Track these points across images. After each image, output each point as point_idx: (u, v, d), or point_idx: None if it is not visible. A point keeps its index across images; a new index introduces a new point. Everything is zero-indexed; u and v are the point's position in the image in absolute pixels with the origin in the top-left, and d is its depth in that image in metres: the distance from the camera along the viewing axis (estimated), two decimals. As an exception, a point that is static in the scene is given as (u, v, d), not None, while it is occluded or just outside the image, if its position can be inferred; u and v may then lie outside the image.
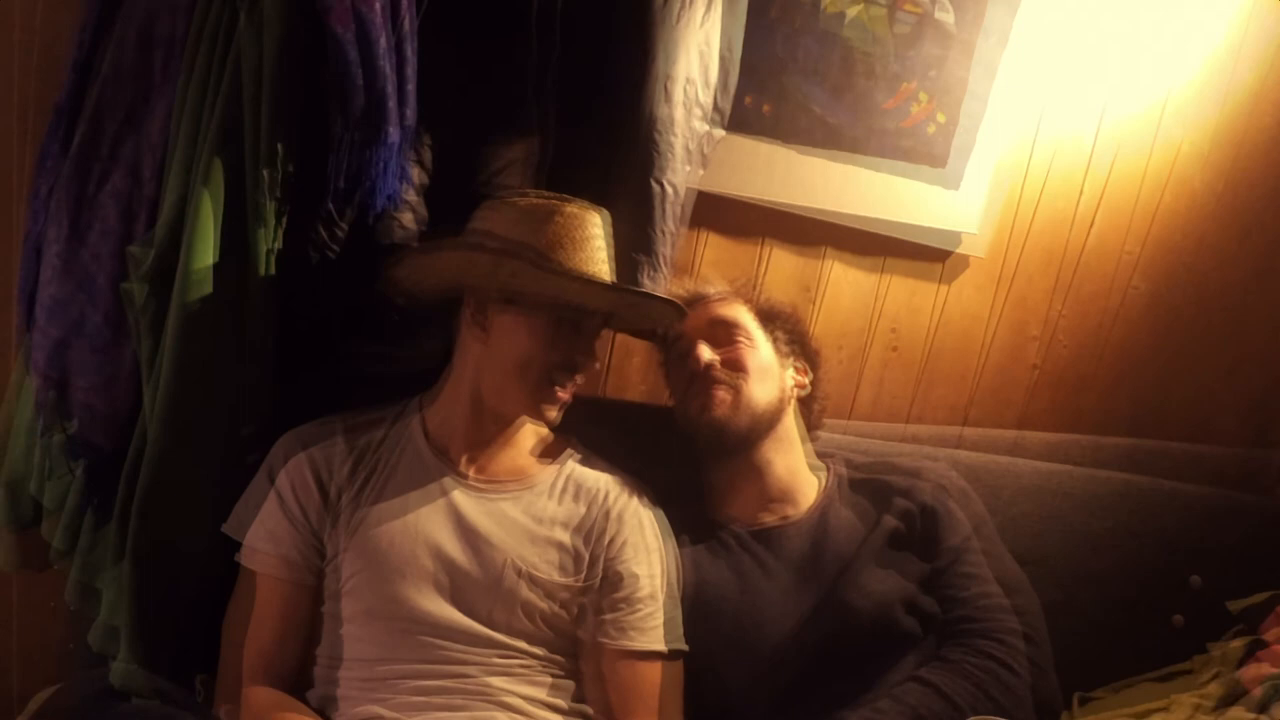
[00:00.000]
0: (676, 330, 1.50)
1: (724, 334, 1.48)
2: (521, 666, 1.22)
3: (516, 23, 1.34)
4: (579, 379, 1.30)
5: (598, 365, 1.33)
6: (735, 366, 1.44)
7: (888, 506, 1.42)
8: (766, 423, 1.44)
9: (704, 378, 1.43)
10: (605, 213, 1.30)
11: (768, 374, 1.46)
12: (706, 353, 1.44)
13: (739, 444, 1.43)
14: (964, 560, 1.37)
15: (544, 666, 1.24)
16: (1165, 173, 1.92)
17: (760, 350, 1.47)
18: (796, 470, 1.48)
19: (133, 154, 1.26)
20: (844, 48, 1.70)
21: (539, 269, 1.19)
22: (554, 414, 1.29)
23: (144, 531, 1.23)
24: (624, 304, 1.31)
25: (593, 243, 1.26)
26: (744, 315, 1.51)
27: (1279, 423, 2.12)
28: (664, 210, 1.49)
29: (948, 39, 1.73)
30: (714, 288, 1.57)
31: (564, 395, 1.28)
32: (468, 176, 1.38)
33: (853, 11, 1.69)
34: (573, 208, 1.26)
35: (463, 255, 1.22)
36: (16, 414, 1.37)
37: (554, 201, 1.26)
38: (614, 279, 1.30)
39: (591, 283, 1.23)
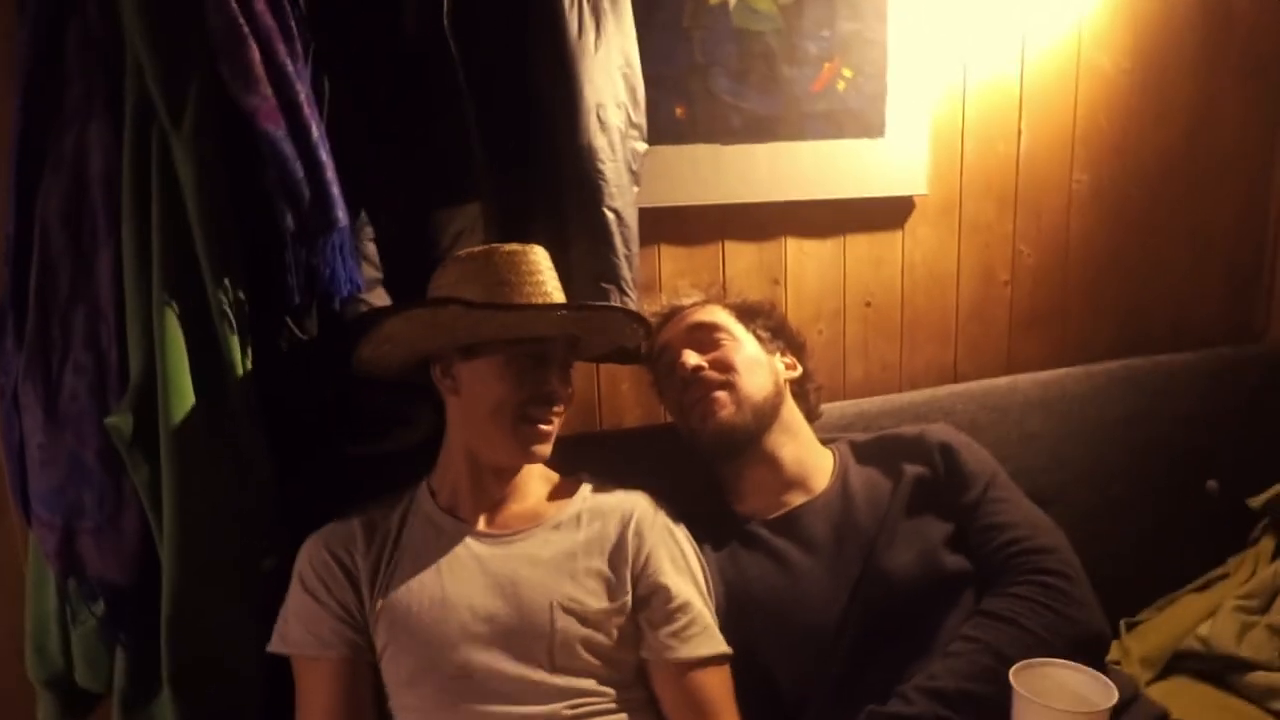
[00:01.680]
0: (659, 344, 1.51)
1: (706, 338, 1.48)
2: (593, 713, 1.20)
3: (446, 91, 1.35)
4: (558, 409, 1.29)
5: (572, 392, 1.32)
6: (723, 367, 1.44)
7: (906, 457, 1.43)
8: (770, 414, 1.45)
9: (696, 383, 1.43)
10: (542, 249, 1.31)
11: (758, 366, 1.46)
12: (692, 358, 1.44)
13: (748, 440, 1.43)
14: (995, 490, 1.38)
15: (617, 705, 1.22)
16: (1074, 61, 1.94)
17: (745, 346, 1.48)
18: (807, 453, 1.49)
19: (86, 326, 1.25)
20: (740, 35, 1.72)
21: (472, 308, 1.19)
22: (541, 449, 1.28)
23: (177, 660, 1.21)
24: (578, 324, 1.30)
25: (534, 277, 1.26)
26: (721, 315, 1.52)
27: (1258, 311, 2.16)
28: (620, 235, 1.49)
29: None
30: (688, 298, 1.58)
31: (546, 429, 1.27)
32: (428, 249, 1.38)
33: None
34: (508, 248, 1.27)
35: (401, 318, 1.22)
36: (42, 608, 1.36)
37: (489, 248, 1.27)
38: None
39: (530, 309, 1.23)
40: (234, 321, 1.20)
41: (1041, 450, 1.77)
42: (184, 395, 1.19)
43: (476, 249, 1.29)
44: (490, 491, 1.31)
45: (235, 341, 1.21)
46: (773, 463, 1.46)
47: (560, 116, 1.43)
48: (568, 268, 1.42)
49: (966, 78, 1.88)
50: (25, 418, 1.27)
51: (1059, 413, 1.81)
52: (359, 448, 1.36)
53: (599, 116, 1.45)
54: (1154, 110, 2.02)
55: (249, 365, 1.24)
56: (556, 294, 1.29)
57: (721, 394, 1.42)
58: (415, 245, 1.37)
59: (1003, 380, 1.85)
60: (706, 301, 1.56)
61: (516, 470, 1.32)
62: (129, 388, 1.22)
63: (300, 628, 1.22)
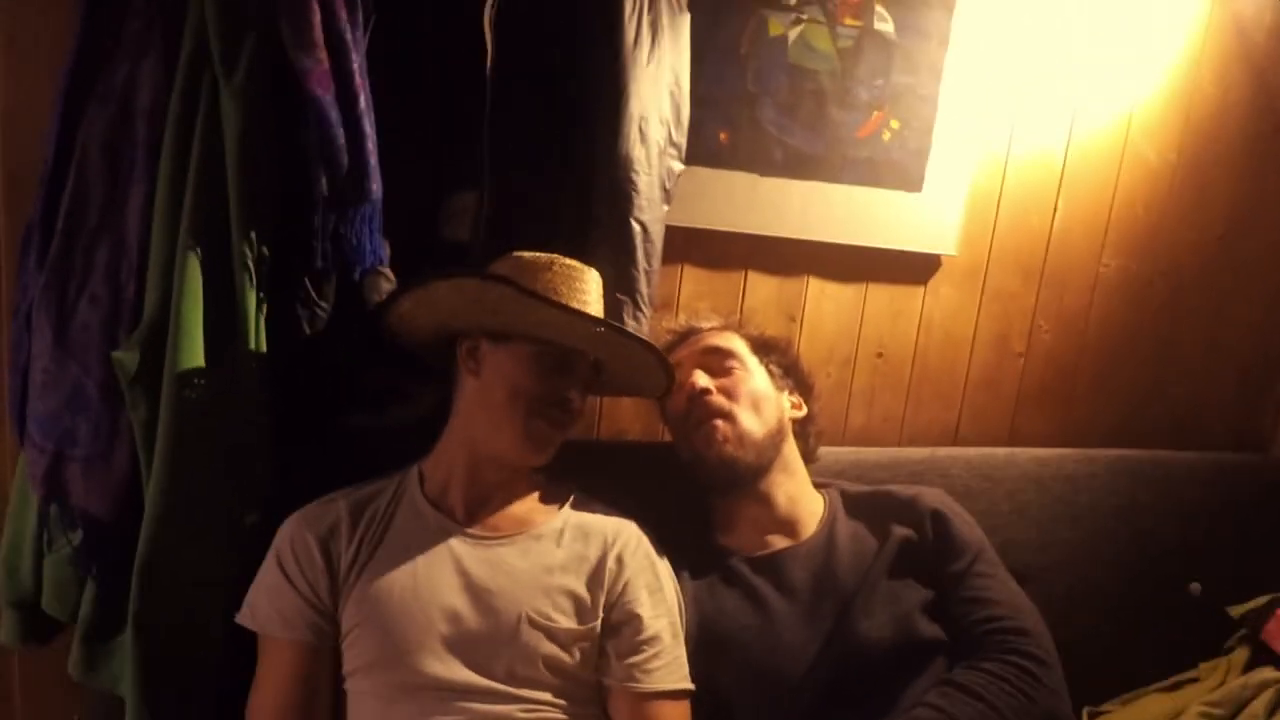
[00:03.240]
0: (672, 361, 1.50)
1: (718, 363, 1.48)
2: (548, 718, 1.20)
3: (467, 73, 1.35)
4: (569, 420, 1.30)
5: (584, 411, 1.33)
6: (730, 394, 1.44)
7: (896, 517, 1.43)
8: (772, 451, 1.44)
9: (701, 405, 1.43)
10: (596, 274, 1.32)
11: (764, 402, 1.46)
12: (702, 378, 1.44)
13: (750, 476, 1.43)
14: (980, 564, 1.38)
15: (569, 718, 1.22)
16: (1120, 147, 1.95)
17: (755, 378, 1.48)
18: (800, 497, 1.48)
19: (108, 259, 1.25)
20: (794, 71, 1.73)
21: (524, 294, 1.20)
22: (545, 451, 1.29)
23: (144, 600, 1.22)
24: (610, 347, 1.31)
25: (583, 295, 1.29)
26: (737, 344, 1.51)
27: (1267, 420, 2.16)
28: (644, 249, 1.50)
29: (890, 47, 1.76)
30: (707, 321, 1.58)
31: (554, 434, 1.28)
32: (421, 231, 1.40)
33: (793, 33, 1.71)
34: (568, 262, 1.29)
35: (453, 283, 1.23)
36: (21, 529, 1.36)
37: (551, 256, 1.29)
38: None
39: (577, 315, 1.24)
40: (254, 276, 1.21)
41: (1029, 526, 1.76)
42: (194, 340, 1.19)
43: (540, 254, 1.29)
44: (482, 483, 1.30)
45: (252, 296, 1.22)
46: (767, 501, 1.45)
47: (601, 122, 1.44)
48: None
49: (1011, 146, 1.89)
50: (35, 339, 1.28)
51: (1053, 492, 1.80)
52: (356, 419, 1.36)
53: (640, 129, 1.46)
54: (1193, 207, 2.02)
55: (262, 321, 1.24)
56: (601, 316, 1.31)
57: (722, 424, 1.41)
58: (408, 227, 1.38)
59: (1001, 450, 1.85)
60: (725, 327, 1.56)
61: (511, 468, 1.32)
62: (140, 325, 1.22)
63: (267, 604, 1.23)
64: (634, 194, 1.47)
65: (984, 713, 1.20)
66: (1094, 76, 1.89)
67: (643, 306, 1.51)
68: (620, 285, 1.48)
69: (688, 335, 1.55)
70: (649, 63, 1.46)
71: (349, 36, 1.20)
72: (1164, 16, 1.91)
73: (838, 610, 1.33)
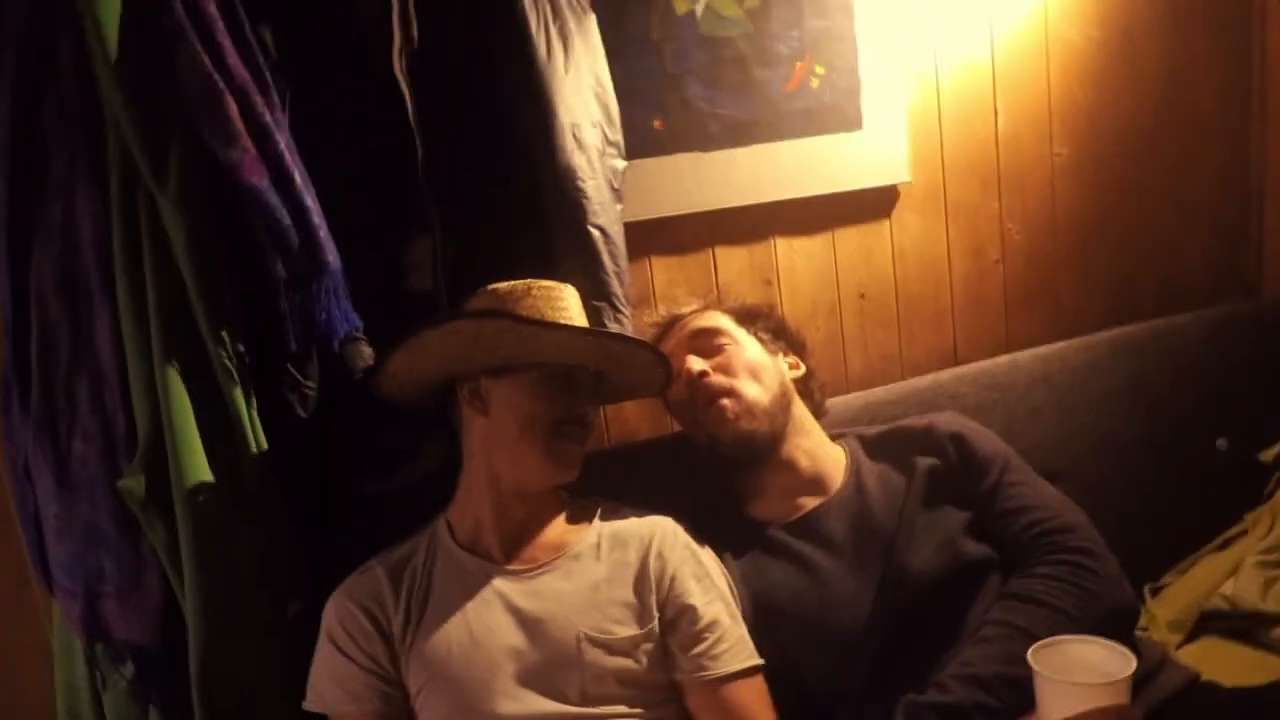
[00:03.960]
0: (661, 343, 1.51)
1: (708, 344, 1.48)
2: None
3: (391, 125, 1.35)
4: (586, 433, 1.31)
5: (593, 421, 1.33)
6: (727, 370, 1.44)
7: (917, 449, 1.43)
8: (783, 416, 1.45)
9: (702, 389, 1.43)
10: (573, 289, 1.33)
11: (763, 370, 1.46)
12: (697, 363, 1.45)
13: (768, 446, 1.44)
14: (1010, 474, 1.39)
15: None
16: (1043, 36, 1.95)
17: (747, 349, 1.48)
18: (821, 453, 1.49)
19: (90, 393, 1.26)
20: (709, 43, 1.73)
21: (521, 323, 1.21)
22: (572, 469, 1.29)
23: (209, 715, 1.22)
24: (610, 355, 1.32)
25: (567, 312, 1.30)
26: (722, 320, 1.52)
27: (1250, 266, 2.17)
28: (608, 252, 1.50)
29: None
30: (686, 306, 1.59)
31: (576, 449, 1.29)
32: (385, 290, 1.41)
33: (699, 6, 1.72)
34: (544, 284, 1.30)
35: (446, 329, 1.23)
36: (71, 677, 1.36)
37: (527, 283, 1.29)
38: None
39: (576, 332, 1.26)
40: (235, 373, 1.21)
41: (1049, 425, 1.77)
42: (194, 451, 1.19)
43: (515, 283, 1.29)
44: (513, 519, 1.30)
45: (239, 393, 1.22)
46: (790, 465, 1.46)
47: (536, 139, 1.44)
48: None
49: (938, 64, 1.89)
50: (38, 488, 1.28)
51: (1062, 386, 1.81)
52: (369, 486, 1.36)
53: (575, 136, 1.46)
54: (1127, 77, 2.03)
55: (255, 415, 1.24)
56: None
57: (727, 401, 1.42)
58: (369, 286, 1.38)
59: (1003, 359, 1.86)
60: (705, 308, 1.57)
61: (539, 495, 1.32)
62: (138, 449, 1.22)
63: (332, 684, 1.23)
64: (584, 201, 1.47)
65: (1049, 616, 1.21)
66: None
67: (621, 308, 1.51)
68: (595, 292, 1.47)
69: (672, 324, 1.56)
70: (567, 71, 1.47)
71: (269, 119, 1.21)
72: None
73: (883, 554, 1.34)
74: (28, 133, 1.24)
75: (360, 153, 1.39)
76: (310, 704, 1.24)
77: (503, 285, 1.30)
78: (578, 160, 1.46)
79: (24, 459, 1.30)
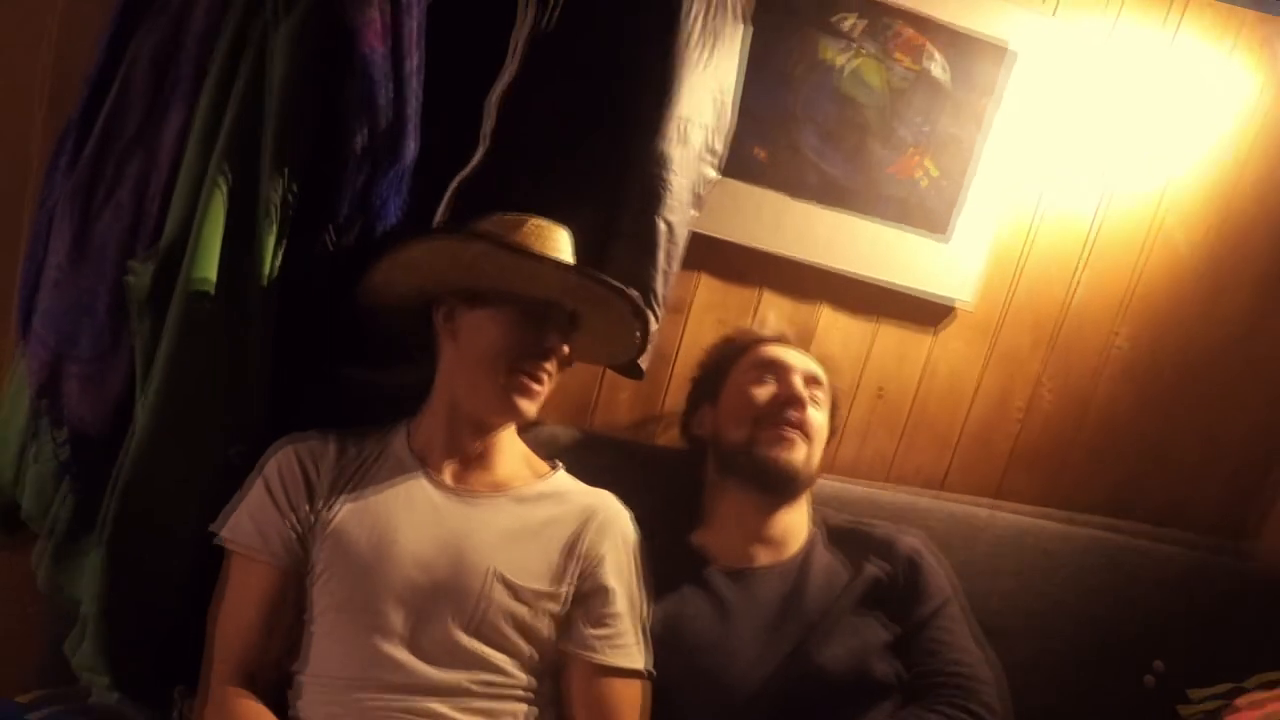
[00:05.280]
0: (767, 357, 1.53)
1: (810, 389, 1.51)
2: (499, 695, 1.21)
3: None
4: (549, 368, 1.29)
5: (570, 355, 1.32)
6: (811, 421, 1.47)
7: (869, 555, 1.44)
8: (811, 483, 1.50)
9: (794, 414, 1.45)
10: (567, 232, 1.32)
11: (822, 438, 1.51)
12: (805, 391, 1.48)
13: (790, 492, 1.46)
14: (944, 615, 1.39)
15: (523, 692, 1.23)
16: (1150, 228, 1.94)
17: (824, 414, 1.53)
18: (796, 521, 1.50)
19: (139, 172, 1.27)
20: (842, 100, 1.73)
21: (501, 248, 1.21)
22: (526, 404, 1.27)
23: (122, 514, 1.23)
24: (588, 295, 1.30)
25: (557, 252, 1.29)
26: (826, 379, 1.55)
27: (1255, 511, 2.15)
28: (666, 249, 1.50)
29: (941, 93, 1.77)
30: (769, 330, 1.62)
31: (535, 386, 1.28)
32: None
33: (847, 64, 1.72)
34: (540, 220, 1.30)
35: (426, 245, 1.23)
36: (9, 421, 1.37)
37: (524, 216, 1.29)
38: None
39: (554, 264, 1.25)
40: (278, 215, 1.22)
41: (1004, 590, 1.74)
42: (209, 263, 1.20)
43: (517, 215, 1.29)
44: (463, 446, 1.31)
45: (273, 235, 1.23)
46: (769, 518, 1.47)
47: (643, 116, 1.44)
48: (601, 265, 1.42)
49: (1041, 210, 1.89)
50: (54, 237, 1.28)
51: (1028, 563, 1.78)
52: (359, 372, 1.37)
53: (682, 129, 1.46)
54: (1213, 301, 2.01)
55: (278, 262, 1.25)
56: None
57: (799, 437, 1.45)
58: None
59: (984, 510, 1.84)
60: (782, 339, 1.59)
61: (494, 429, 1.32)
62: (158, 244, 1.23)
63: (251, 524, 1.23)
64: (665, 193, 1.47)
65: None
66: (1134, 151, 1.89)
67: (656, 304, 1.51)
68: (637, 280, 1.47)
69: (751, 343, 1.58)
70: (701, 67, 1.47)
71: (408, -4, 1.21)
72: (1212, 104, 1.91)
73: (799, 635, 1.34)
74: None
75: (456, 67, 1.37)
76: (219, 527, 1.24)
77: (496, 216, 1.29)
78: (676, 152, 1.46)
79: (53, 204, 1.30)
